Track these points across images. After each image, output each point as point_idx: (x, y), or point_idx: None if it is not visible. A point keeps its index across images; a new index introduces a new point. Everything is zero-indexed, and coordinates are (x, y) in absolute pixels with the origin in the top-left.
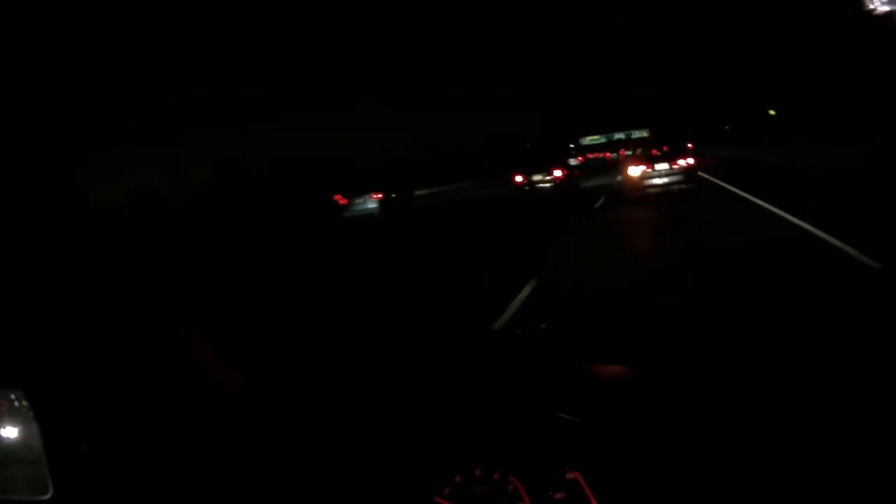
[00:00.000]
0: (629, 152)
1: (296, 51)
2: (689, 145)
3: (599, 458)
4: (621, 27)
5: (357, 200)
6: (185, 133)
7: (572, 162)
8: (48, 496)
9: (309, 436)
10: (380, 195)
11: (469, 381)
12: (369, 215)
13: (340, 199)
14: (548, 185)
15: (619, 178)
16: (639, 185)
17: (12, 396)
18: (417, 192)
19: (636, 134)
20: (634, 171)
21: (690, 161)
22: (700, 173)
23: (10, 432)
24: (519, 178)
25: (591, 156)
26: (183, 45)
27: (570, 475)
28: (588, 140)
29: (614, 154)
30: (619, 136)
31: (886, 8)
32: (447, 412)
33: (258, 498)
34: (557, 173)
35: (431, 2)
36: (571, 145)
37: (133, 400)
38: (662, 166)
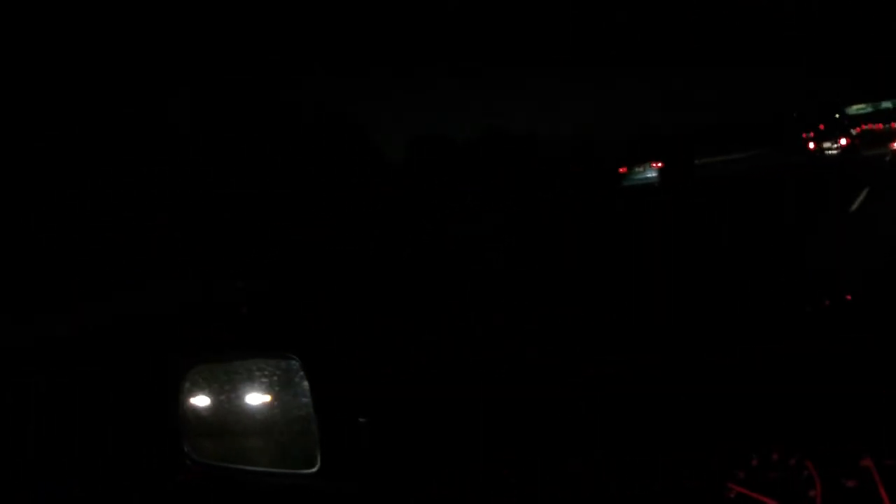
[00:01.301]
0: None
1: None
2: None
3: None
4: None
5: (637, 169)
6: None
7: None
8: (314, 470)
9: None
10: (660, 164)
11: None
12: (650, 184)
13: (621, 169)
14: (835, 151)
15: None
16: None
17: (288, 364)
18: (700, 161)
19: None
20: None
21: None
22: None
23: (284, 402)
24: (812, 146)
25: (864, 127)
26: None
27: (864, 462)
28: (854, 109)
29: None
30: (888, 104)
31: None
32: (749, 391)
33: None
34: (843, 142)
35: None
36: (837, 115)
37: (409, 376)
38: None
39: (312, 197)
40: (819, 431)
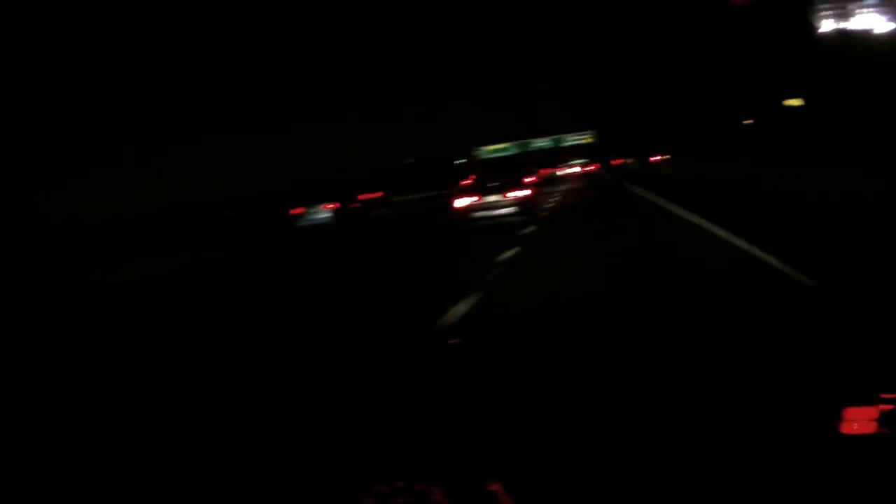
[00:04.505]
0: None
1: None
2: (590, 167)
3: (521, 469)
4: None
5: (310, 210)
6: None
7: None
8: None
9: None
10: (333, 205)
11: (402, 389)
12: (322, 225)
13: (296, 210)
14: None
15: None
16: (465, 219)
17: None
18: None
19: (571, 140)
20: (461, 202)
21: (526, 192)
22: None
23: None
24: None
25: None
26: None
27: (491, 486)
28: (488, 151)
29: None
30: (542, 143)
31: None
32: (373, 419)
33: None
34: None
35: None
36: (459, 161)
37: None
38: (494, 198)
39: None
40: (447, 457)
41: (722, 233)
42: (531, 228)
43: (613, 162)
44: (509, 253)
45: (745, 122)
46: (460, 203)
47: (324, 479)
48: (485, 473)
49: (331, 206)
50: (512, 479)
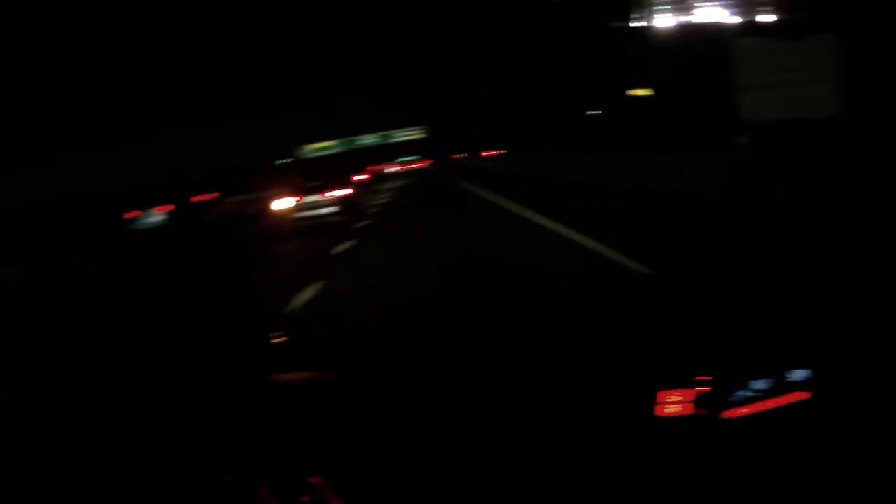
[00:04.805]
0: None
1: None
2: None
3: (341, 462)
4: None
5: (146, 213)
6: None
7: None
8: None
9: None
10: (167, 207)
11: (225, 386)
12: (154, 228)
13: (132, 214)
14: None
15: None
16: (288, 220)
17: None
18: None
19: (402, 136)
20: (280, 204)
21: (348, 191)
22: None
23: None
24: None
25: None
26: None
27: (313, 479)
28: (312, 150)
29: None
30: (370, 140)
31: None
32: (200, 417)
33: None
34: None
35: None
36: (283, 160)
37: None
38: (315, 198)
39: None
40: (269, 453)
41: (548, 223)
42: (361, 224)
43: (447, 157)
44: (341, 247)
45: (592, 112)
46: (280, 205)
47: (152, 475)
48: (308, 468)
49: (164, 208)
50: (335, 473)
